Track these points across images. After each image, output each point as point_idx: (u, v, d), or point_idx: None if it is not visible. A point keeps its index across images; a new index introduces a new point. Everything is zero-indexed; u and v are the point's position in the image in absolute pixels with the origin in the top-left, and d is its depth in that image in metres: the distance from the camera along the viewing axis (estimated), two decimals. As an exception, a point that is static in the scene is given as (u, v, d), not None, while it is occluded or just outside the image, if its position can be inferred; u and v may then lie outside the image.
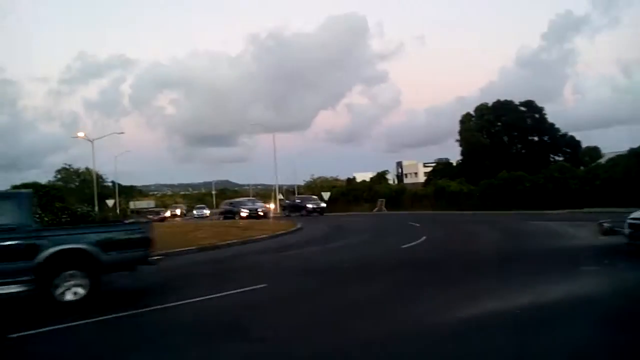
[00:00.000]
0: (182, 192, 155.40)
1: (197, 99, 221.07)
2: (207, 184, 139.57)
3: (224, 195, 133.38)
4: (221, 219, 42.64)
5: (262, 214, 40.77)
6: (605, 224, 18.59)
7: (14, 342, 6.58)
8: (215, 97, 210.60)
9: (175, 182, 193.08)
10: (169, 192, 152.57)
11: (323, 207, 44.32)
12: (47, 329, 7.00)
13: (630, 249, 12.07)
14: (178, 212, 69.37)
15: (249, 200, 49.46)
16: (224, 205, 47.58)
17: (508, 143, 61.39)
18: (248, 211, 40.66)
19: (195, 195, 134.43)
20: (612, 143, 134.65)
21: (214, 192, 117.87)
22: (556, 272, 10.30)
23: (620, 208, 31.00)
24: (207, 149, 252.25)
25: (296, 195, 54.99)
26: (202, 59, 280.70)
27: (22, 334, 6.80)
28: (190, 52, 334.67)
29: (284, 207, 48.96)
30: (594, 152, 64.66)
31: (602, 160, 49.16)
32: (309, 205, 43.63)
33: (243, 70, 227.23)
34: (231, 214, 42.45)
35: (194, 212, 66.92)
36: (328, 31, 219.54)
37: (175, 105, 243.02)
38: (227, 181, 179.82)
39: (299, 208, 43.82)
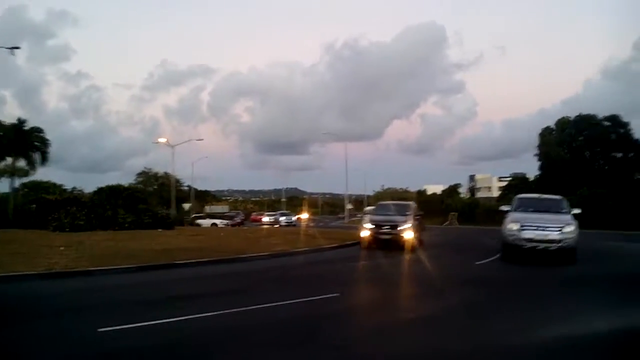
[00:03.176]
0: (253, 199, 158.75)
1: (271, 107, 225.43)
2: (277, 191, 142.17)
3: (293, 203, 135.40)
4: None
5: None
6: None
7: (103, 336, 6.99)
8: (289, 106, 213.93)
9: (247, 188, 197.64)
10: (241, 198, 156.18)
11: None
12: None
13: None
14: (238, 220, 58.78)
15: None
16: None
17: (590, 159, 58.87)
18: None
19: (265, 202, 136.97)
20: None
21: (284, 200, 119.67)
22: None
23: None
24: (279, 157, 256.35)
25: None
26: (278, 68, 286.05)
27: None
28: (268, 61, 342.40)
29: None
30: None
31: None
32: None
33: (317, 79, 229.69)
34: None
35: (281, 218, 57.74)
36: (405, 41, 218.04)
37: (250, 113, 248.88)
38: (296, 189, 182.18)
39: None
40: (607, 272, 14.58)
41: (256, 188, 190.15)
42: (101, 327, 7.17)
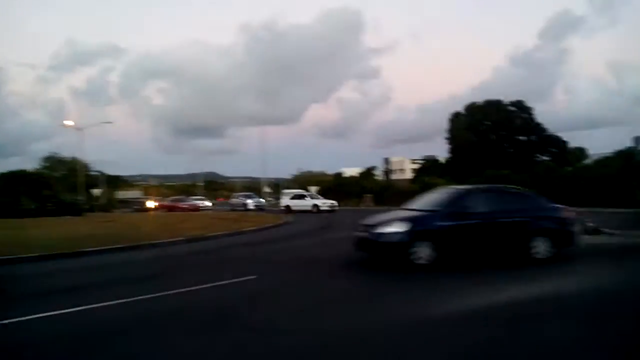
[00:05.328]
0: (168, 183, 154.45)
1: (186, 89, 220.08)
2: (193, 176, 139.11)
3: (211, 187, 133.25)
4: None
5: None
6: (588, 224, 18.89)
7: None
8: (205, 88, 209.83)
9: (162, 172, 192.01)
10: (155, 183, 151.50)
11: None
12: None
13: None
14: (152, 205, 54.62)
15: None
16: None
17: (496, 142, 61.80)
18: None
19: (181, 187, 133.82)
20: (599, 144, 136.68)
21: (201, 184, 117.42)
22: (541, 269, 10.45)
23: (605, 208, 31.47)
24: (195, 140, 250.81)
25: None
26: (192, 48, 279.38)
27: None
28: (182, 41, 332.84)
29: None
30: (580, 152, 65.25)
31: (588, 161, 49.75)
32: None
33: (234, 60, 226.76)
34: None
35: (248, 201, 49.34)
36: (323, 24, 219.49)
37: (164, 95, 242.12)
38: (214, 173, 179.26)
39: None
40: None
41: (171, 173, 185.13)
42: (2, 320, 6.75)
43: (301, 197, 43.80)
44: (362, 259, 11.60)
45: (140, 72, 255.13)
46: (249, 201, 48.40)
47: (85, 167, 61.61)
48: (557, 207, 11.88)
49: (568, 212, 11.86)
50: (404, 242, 10.33)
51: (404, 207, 12.67)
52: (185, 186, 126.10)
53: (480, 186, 12.90)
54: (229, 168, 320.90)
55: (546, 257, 10.89)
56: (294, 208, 40.37)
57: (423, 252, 10.31)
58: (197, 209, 47.94)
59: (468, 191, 11.66)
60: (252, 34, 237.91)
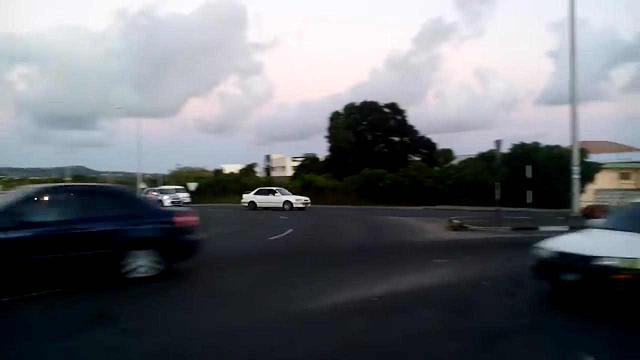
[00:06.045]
0: (32, 177, 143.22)
1: (54, 75, 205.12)
2: (60, 170, 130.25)
3: (80, 182, 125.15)
4: None
5: None
6: (455, 221, 20.47)
7: None
8: (74, 75, 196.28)
9: (25, 166, 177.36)
10: (17, 177, 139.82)
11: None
12: None
13: None
14: None
15: None
16: None
17: (372, 142, 64.22)
18: None
19: (46, 182, 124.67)
20: (464, 146, 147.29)
21: (68, 179, 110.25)
22: (411, 264, 11.15)
23: (468, 206, 34.03)
24: (63, 132, 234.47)
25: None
26: (61, 31, 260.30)
27: None
28: (48, 23, 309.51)
29: None
30: (448, 154, 69.69)
31: (455, 162, 53.40)
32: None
33: (107, 47, 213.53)
34: None
35: (164, 196, 44.77)
36: (205, 15, 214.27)
37: (29, 81, 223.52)
38: (83, 167, 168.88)
39: None
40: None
41: (35, 166, 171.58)
42: None
43: (270, 192, 37.85)
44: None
45: (1, 54, 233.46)
46: (165, 197, 42.69)
47: None
48: (168, 211, 10.45)
49: (183, 217, 9.90)
50: None
51: None
52: (52, 181, 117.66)
53: (57, 185, 10.85)
54: (100, 162, 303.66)
55: (151, 275, 8.87)
56: (260, 205, 35.76)
57: None
58: None
59: (37, 192, 9.03)
60: (128, 20, 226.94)
